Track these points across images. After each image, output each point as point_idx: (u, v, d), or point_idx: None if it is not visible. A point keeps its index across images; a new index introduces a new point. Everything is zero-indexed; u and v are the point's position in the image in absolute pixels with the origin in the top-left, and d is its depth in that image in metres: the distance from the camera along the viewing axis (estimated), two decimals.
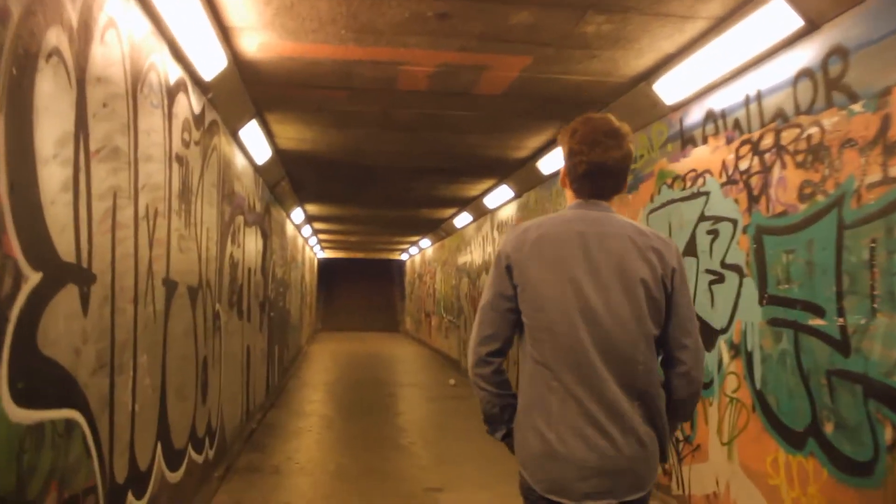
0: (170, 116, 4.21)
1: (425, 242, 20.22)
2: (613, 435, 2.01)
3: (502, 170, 9.26)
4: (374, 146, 8.07)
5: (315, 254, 24.67)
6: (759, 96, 4.27)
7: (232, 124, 6.24)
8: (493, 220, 11.76)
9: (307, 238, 18.00)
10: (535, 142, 7.64)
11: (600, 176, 2.17)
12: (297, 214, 13.47)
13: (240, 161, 6.99)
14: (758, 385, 4.19)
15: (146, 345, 3.76)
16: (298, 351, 16.44)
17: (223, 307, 6.20)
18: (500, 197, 10.75)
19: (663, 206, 5.52)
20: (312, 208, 13.70)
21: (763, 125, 4.23)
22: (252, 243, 8.09)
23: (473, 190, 11.13)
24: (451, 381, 12.07)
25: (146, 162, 3.72)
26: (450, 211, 13.77)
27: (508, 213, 10.65)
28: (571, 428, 2.02)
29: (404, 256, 27.31)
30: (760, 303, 4.19)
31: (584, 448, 2.01)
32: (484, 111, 6.52)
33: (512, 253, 2.14)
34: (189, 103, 4.74)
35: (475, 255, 13.31)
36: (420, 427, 8.30)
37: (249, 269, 7.92)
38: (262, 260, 9.15)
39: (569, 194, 2.28)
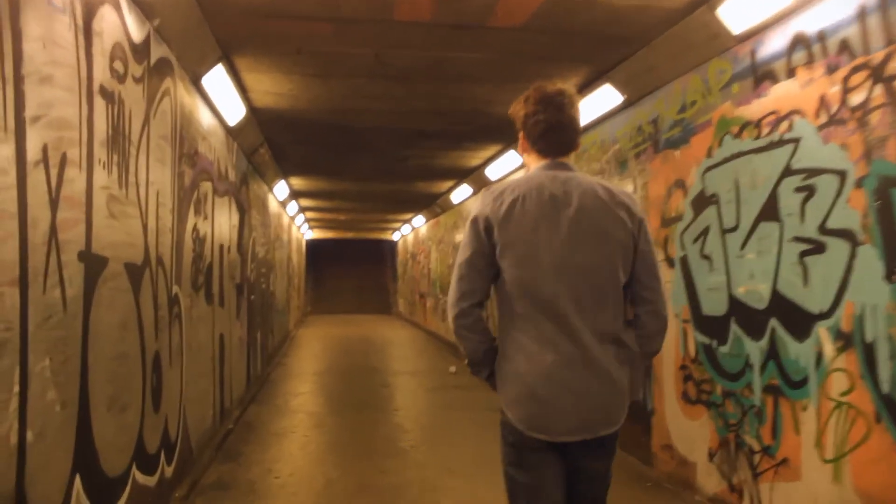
0: (87, 31, 3.09)
1: (419, 220, 19.11)
2: (587, 377, 2.19)
3: (511, 132, 8.16)
4: (364, 103, 6.95)
5: (302, 234, 23.54)
6: (885, 2, 3.18)
7: (192, 67, 5.11)
8: None
9: (293, 216, 16.87)
10: None
11: (558, 132, 2.37)
12: (281, 189, 12.33)
13: (206, 117, 5.87)
14: (884, 388, 3.15)
15: (49, 345, 2.67)
16: (285, 336, 15.38)
17: (184, 290, 5.11)
18: (505, 166, 9.65)
19: (727, 160, 4.44)
20: (297, 182, 12.57)
21: (892, 41, 3.15)
22: (224, 216, 6.98)
23: (475, 158, 10.02)
24: (452, 369, 11.04)
25: (42, 84, 2.61)
26: (447, 184, 12.66)
27: None
28: (549, 372, 2.18)
29: (396, 236, 26.21)
30: (888, 279, 3.13)
31: (560, 390, 2.18)
32: (496, 52, 5.41)
33: (491, 215, 2.30)
34: (123, 24, 3.61)
35: None
36: (421, 425, 7.25)
37: (222, 247, 6.82)
38: (239, 237, 8.05)
39: (531, 158, 2.45)
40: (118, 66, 3.52)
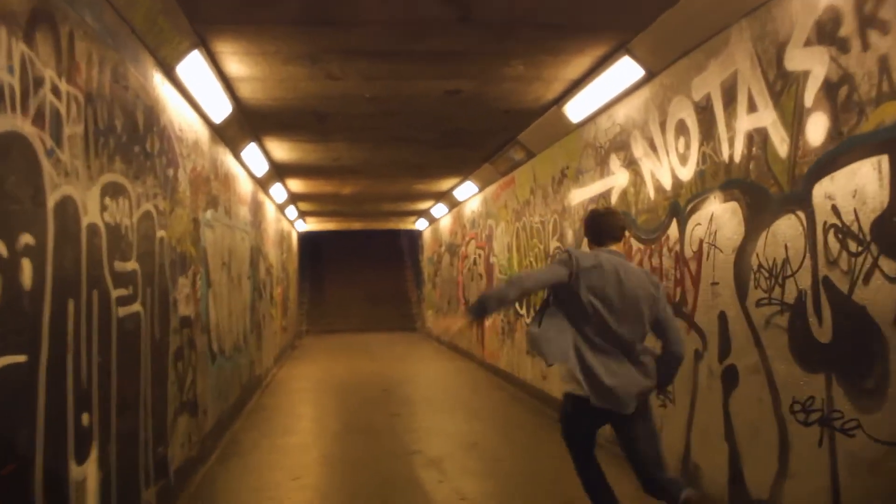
0: None
1: (466, 190, 12.16)
2: (625, 377, 3.57)
3: None
4: None
5: (292, 223, 16.67)
6: None
7: None
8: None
9: (263, 182, 9.95)
10: None
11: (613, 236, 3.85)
12: (210, 89, 5.50)
13: None
14: None
15: None
16: (253, 387, 8.50)
17: None
18: None
19: None
20: (240, 69, 5.65)
21: None
22: None
23: None
24: None
25: None
26: (579, 63, 5.72)
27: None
28: (612, 372, 3.54)
29: (420, 224, 19.26)
30: None
31: (618, 381, 3.54)
32: None
33: (580, 263, 3.59)
34: None
35: (621, 175, 5.36)
36: None
37: None
38: None
39: (591, 245, 3.88)
40: None
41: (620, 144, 5.84)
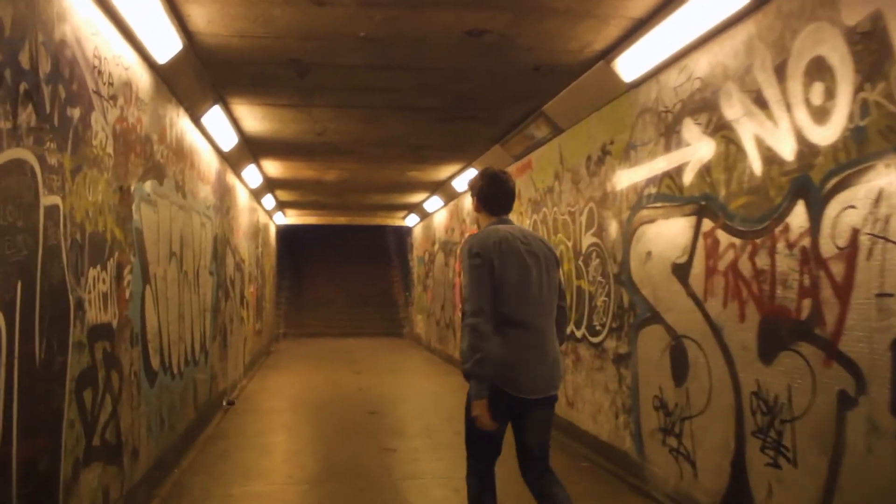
0: None
1: (468, 180, 10.70)
2: (547, 358, 3.31)
3: None
4: None
5: (271, 217, 15.12)
6: None
7: None
8: None
9: (237, 170, 8.41)
10: None
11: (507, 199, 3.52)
12: (159, 29, 3.95)
13: None
14: None
15: None
16: (211, 409, 6.93)
17: None
18: None
19: None
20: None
21: None
22: None
23: None
24: None
25: None
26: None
27: None
28: (524, 354, 3.24)
29: (411, 220, 17.73)
30: None
31: (532, 365, 3.26)
32: None
33: (489, 250, 3.22)
34: None
35: (703, 146, 3.87)
36: None
37: None
38: None
39: (484, 216, 3.50)
40: None
41: (701, 104, 4.36)
